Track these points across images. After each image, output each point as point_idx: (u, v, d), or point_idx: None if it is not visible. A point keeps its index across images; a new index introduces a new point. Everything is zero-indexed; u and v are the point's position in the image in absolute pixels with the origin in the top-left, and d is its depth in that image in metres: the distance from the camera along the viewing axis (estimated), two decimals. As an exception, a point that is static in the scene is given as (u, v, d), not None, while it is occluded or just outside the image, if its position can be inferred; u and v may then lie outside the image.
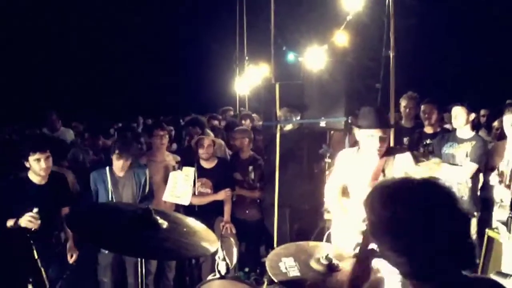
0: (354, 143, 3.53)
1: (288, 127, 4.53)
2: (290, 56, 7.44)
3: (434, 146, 4.27)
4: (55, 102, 9.47)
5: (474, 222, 3.78)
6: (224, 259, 2.26)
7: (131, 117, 10.03)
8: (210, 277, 2.35)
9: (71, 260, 3.62)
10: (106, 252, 3.89)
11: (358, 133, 3.14)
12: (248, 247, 4.95)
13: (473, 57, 9.54)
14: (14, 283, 3.00)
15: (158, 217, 1.92)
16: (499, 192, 3.63)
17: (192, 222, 2.17)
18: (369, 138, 3.05)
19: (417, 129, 4.77)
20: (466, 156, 3.95)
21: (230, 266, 2.30)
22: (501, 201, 3.59)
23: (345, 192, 3.36)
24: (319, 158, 4.55)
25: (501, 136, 4.38)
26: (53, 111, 6.45)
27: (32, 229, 3.08)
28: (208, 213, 4.32)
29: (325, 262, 2.15)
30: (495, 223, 3.52)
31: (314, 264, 2.17)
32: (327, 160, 4.36)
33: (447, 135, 4.27)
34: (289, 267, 2.16)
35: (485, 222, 3.75)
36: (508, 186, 3.52)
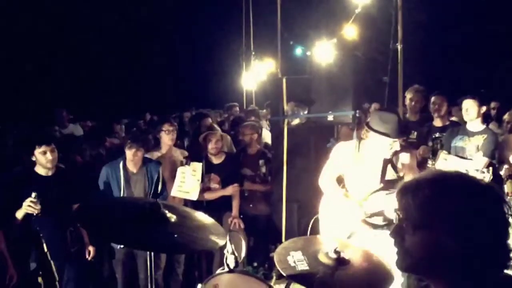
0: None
1: (296, 121, 4.51)
2: (298, 51, 7.41)
3: (444, 140, 4.22)
4: (61, 100, 9.53)
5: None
6: (232, 253, 2.26)
7: (136, 113, 10.04)
8: (219, 270, 2.35)
9: (89, 257, 3.71)
10: (118, 248, 3.93)
11: (370, 133, 3.09)
12: (256, 242, 4.96)
13: (483, 49, 9.42)
14: (24, 276, 3.04)
15: (166, 211, 1.92)
16: (510, 186, 3.59)
17: (201, 216, 2.17)
18: (383, 142, 3.01)
19: (423, 123, 4.71)
20: (477, 149, 3.91)
21: (239, 259, 2.30)
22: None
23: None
24: (326, 152, 4.53)
25: (512, 129, 4.33)
26: (63, 108, 6.55)
27: (35, 214, 3.18)
28: (216, 208, 4.32)
29: (334, 255, 2.13)
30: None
31: (322, 258, 2.16)
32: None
33: (457, 128, 4.22)
34: (298, 261, 2.15)
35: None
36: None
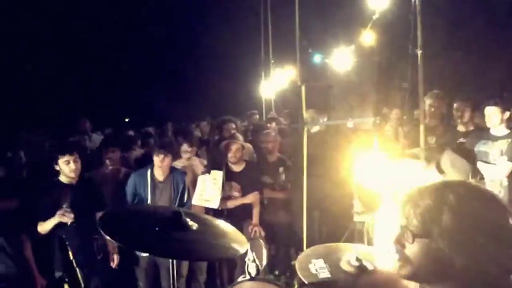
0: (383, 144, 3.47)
1: (315, 128, 4.51)
2: (317, 58, 7.40)
3: (468, 145, 4.15)
4: (81, 109, 9.68)
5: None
6: (254, 261, 2.27)
7: (158, 122, 10.15)
8: (240, 278, 2.36)
9: (113, 264, 3.76)
10: (142, 255, 3.99)
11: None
12: (277, 250, 4.95)
13: (502, 53, 9.20)
14: (51, 282, 3.11)
15: (188, 219, 1.95)
16: None
17: (222, 224, 2.19)
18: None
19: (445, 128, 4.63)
20: (501, 154, 3.83)
21: (260, 267, 2.31)
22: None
23: None
24: (346, 159, 4.50)
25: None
26: (86, 118, 6.68)
27: (69, 223, 3.30)
28: (236, 217, 4.34)
29: (355, 263, 2.12)
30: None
31: (344, 266, 2.14)
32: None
33: (480, 133, 4.16)
34: (319, 269, 2.14)
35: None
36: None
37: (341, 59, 5.19)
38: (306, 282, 2.09)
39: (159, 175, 4.01)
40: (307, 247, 3.92)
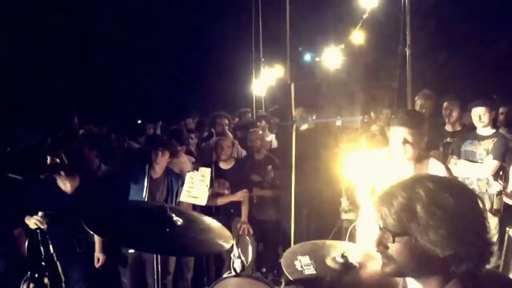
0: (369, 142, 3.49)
1: (304, 126, 4.51)
2: (307, 57, 7.42)
3: (454, 144, 4.19)
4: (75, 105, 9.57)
5: (495, 221, 3.70)
6: (239, 257, 2.26)
7: (147, 120, 10.08)
8: (225, 275, 2.35)
9: (97, 264, 3.70)
10: (130, 251, 3.95)
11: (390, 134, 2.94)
12: (265, 247, 4.95)
13: (491, 53, 9.31)
14: (31, 276, 3.06)
15: (173, 215, 1.93)
16: (497, 202, 3.55)
17: (207, 220, 2.18)
18: (394, 139, 2.86)
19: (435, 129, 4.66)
20: (487, 153, 3.88)
21: (245, 264, 2.30)
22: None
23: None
24: (335, 157, 4.52)
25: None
26: (74, 113, 6.60)
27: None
28: (225, 214, 4.33)
29: (341, 260, 2.12)
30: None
31: (330, 263, 2.15)
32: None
33: (467, 133, 4.20)
34: (305, 266, 2.14)
35: (507, 220, 3.66)
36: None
37: (330, 58, 5.20)
38: (292, 279, 2.09)
39: (156, 171, 4.01)
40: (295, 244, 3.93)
